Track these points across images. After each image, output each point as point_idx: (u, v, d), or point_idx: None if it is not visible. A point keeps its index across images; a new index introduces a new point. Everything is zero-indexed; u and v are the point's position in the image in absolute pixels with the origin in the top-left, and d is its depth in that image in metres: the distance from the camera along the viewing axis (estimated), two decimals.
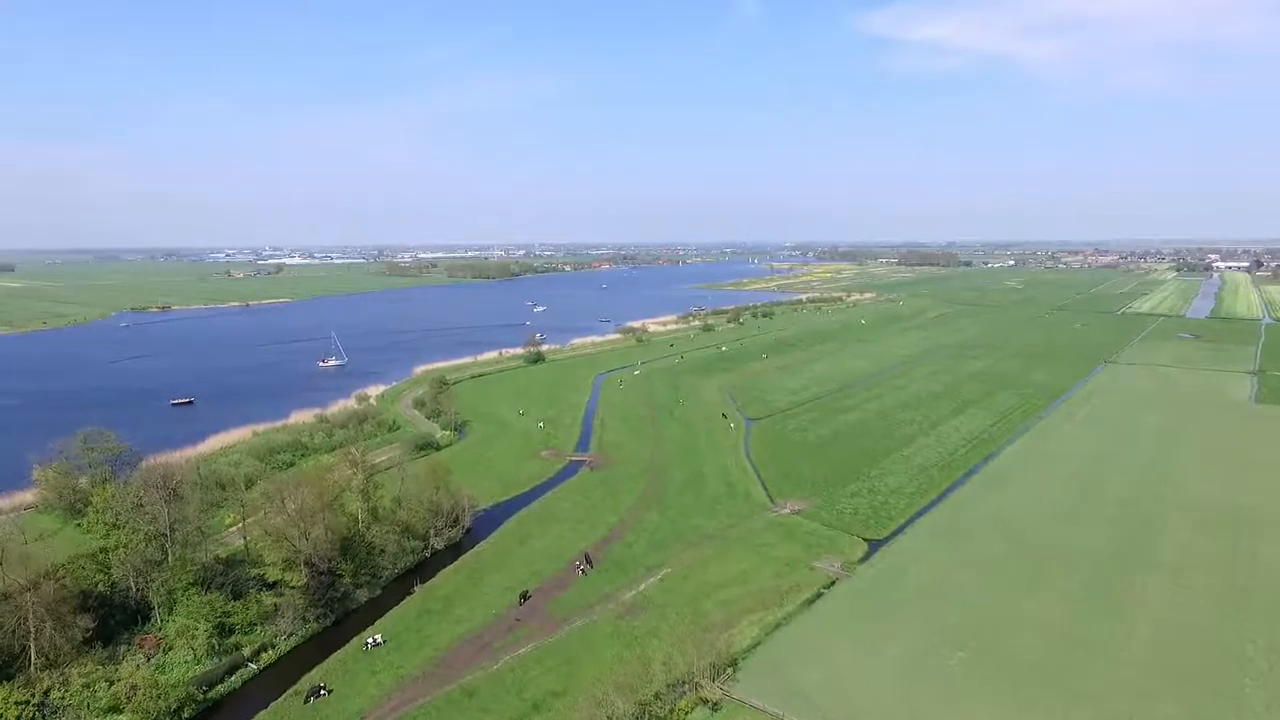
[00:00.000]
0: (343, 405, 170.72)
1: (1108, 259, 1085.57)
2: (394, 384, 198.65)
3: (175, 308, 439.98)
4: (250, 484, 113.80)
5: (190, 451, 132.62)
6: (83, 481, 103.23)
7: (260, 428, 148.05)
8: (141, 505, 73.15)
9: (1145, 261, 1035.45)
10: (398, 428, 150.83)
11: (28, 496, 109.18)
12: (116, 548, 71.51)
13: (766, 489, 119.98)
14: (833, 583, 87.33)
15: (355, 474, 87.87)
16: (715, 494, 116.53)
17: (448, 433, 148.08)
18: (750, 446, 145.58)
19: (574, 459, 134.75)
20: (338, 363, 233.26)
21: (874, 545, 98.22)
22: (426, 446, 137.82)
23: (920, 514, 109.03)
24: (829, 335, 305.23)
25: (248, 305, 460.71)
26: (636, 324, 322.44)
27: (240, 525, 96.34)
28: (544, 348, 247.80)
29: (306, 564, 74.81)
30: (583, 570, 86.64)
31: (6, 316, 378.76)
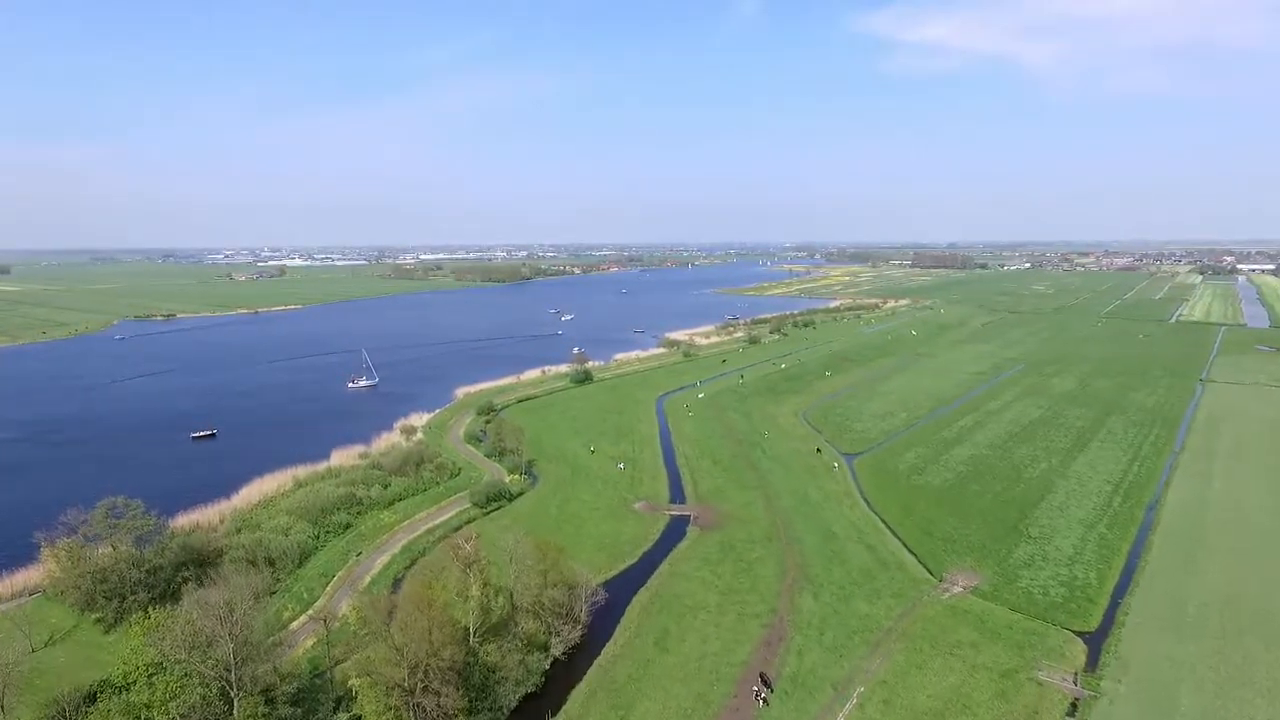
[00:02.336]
0: (387, 440, 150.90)
1: (1122, 261, 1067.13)
2: (437, 411, 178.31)
3: (180, 316, 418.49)
4: (305, 558, 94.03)
5: (224, 506, 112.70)
6: (101, 553, 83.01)
7: (300, 472, 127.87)
8: (198, 641, 52.99)
9: (1163, 264, 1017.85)
10: (458, 471, 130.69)
11: (34, 575, 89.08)
12: (164, 702, 51.43)
13: (916, 555, 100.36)
14: (1074, 705, 67.89)
15: (471, 578, 67.53)
16: (863, 565, 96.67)
17: (516, 477, 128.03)
18: (866, 493, 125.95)
19: (675, 513, 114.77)
20: (369, 383, 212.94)
21: (1091, 642, 78.69)
22: (498, 497, 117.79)
23: (1120, 592, 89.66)
24: (885, 349, 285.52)
25: (256, 313, 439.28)
26: (678, 336, 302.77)
27: (308, 617, 76.86)
28: (588, 364, 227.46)
29: (417, 713, 54.83)
30: (762, 699, 66.72)
31: (3, 326, 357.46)
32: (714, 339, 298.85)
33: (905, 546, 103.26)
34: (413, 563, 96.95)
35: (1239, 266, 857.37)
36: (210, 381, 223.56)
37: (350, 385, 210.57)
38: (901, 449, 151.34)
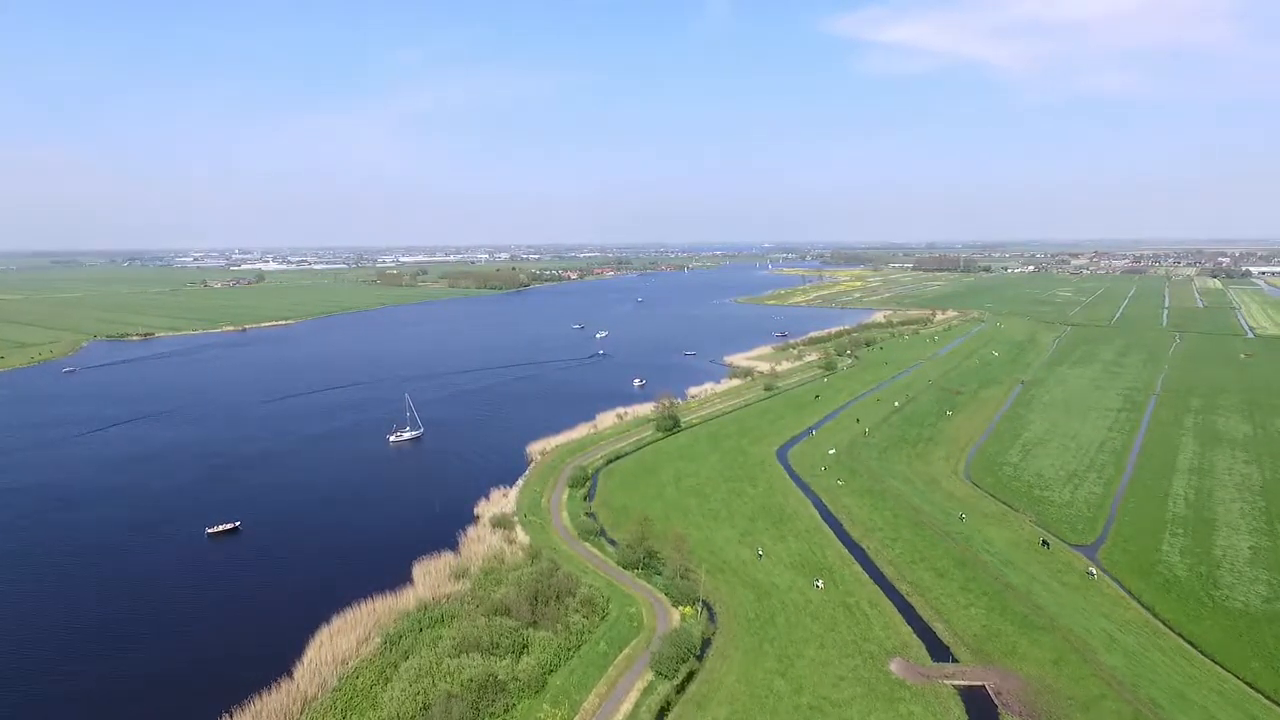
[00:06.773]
0: (475, 537, 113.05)
1: (1122, 263, 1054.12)
2: (518, 484, 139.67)
3: (159, 335, 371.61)
4: None
5: (288, 691, 73.70)
6: None
7: (381, 609, 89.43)
8: None
9: (1163, 265, 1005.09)
10: (606, 606, 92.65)
11: None
12: None
13: None
14: None
15: None
16: None
17: (689, 611, 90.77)
18: (1172, 623, 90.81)
19: (956, 682, 78.04)
20: (413, 434, 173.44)
21: None
22: (685, 655, 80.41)
23: None
24: (981, 375, 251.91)
25: (244, 330, 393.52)
26: (740, 360, 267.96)
27: None
28: (671, 403, 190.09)
29: None
30: None
31: None
32: (784, 365, 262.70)
33: None
34: None
35: (1250, 270, 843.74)
36: (214, 434, 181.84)
37: (392, 439, 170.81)
38: (1142, 536, 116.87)
